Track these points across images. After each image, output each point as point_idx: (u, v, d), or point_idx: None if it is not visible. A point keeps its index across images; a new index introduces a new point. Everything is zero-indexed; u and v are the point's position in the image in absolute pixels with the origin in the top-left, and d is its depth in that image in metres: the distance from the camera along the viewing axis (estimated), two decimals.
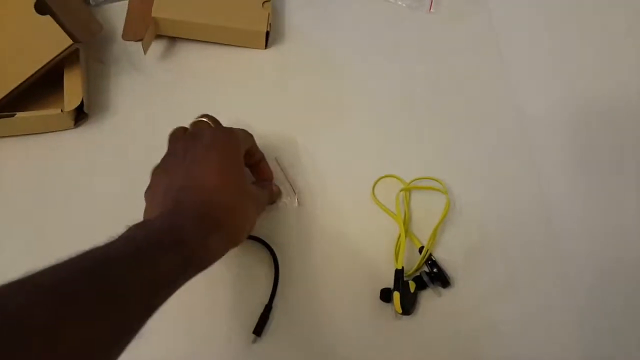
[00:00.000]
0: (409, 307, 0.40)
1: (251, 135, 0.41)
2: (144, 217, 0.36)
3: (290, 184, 0.45)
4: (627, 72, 0.51)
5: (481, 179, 0.46)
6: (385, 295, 0.41)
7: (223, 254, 0.34)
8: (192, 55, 0.52)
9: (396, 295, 0.39)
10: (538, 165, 0.47)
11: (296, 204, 0.45)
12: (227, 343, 0.41)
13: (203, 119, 0.41)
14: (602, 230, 0.45)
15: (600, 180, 0.47)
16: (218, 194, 0.34)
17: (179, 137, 0.40)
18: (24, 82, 0.45)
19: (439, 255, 0.43)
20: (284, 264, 0.43)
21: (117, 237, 0.29)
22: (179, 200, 0.33)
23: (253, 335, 0.40)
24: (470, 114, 0.50)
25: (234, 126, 0.41)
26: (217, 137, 0.37)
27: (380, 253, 0.43)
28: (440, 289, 0.42)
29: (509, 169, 0.47)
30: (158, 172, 0.37)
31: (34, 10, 0.44)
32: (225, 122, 0.49)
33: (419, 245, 0.43)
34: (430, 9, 0.53)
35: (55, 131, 0.48)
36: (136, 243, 0.29)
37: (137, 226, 0.31)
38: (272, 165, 0.45)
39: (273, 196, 0.44)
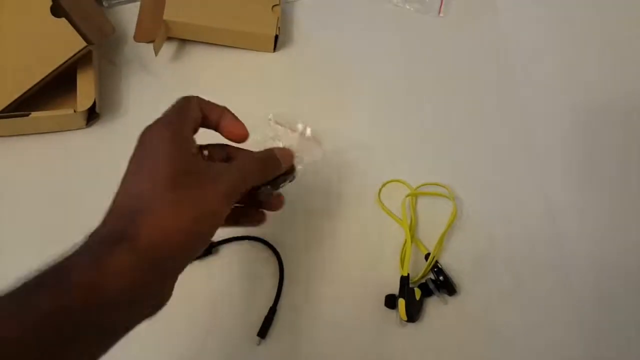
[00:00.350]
0: (414, 314, 0.40)
1: (192, 98, 0.32)
2: None
3: (302, 134, 0.37)
4: (637, 79, 0.51)
5: (488, 186, 0.46)
6: (390, 302, 0.41)
7: (145, 280, 0.26)
8: (202, 58, 0.52)
9: (401, 302, 0.39)
10: (545, 173, 0.47)
11: (321, 153, 0.37)
12: (231, 345, 0.41)
13: None
14: (608, 239, 0.44)
15: (607, 188, 0.46)
16: (132, 198, 0.27)
17: None
18: (39, 82, 0.46)
19: (445, 261, 0.43)
20: (288, 266, 0.43)
21: None
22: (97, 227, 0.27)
23: (257, 338, 0.40)
24: (478, 119, 0.49)
25: None
26: (144, 133, 0.30)
27: (385, 258, 0.43)
28: (446, 297, 0.41)
29: (516, 176, 0.47)
30: None
31: (49, 13, 0.45)
32: None
33: (425, 252, 0.43)
34: (439, 13, 0.53)
35: (68, 130, 0.48)
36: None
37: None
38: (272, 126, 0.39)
39: (268, 168, 0.33)
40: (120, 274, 0.24)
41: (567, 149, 0.48)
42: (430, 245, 0.43)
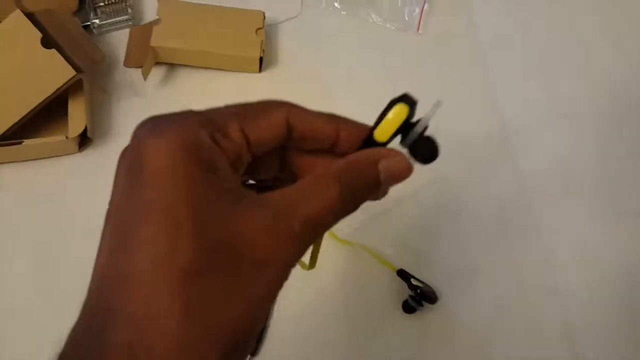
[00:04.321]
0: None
1: (278, 105, 0.20)
2: None
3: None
4: (619, 87, 0.53)
5: (461, 189, 0.48)
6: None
7: None
8: (190, 81, 0.54)
9: None
10: (523, 177, 0.48)
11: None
12: None
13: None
14: (594, 237, 0.46)
15: (592, 187, 0.48)
16: (118, 293, 0.16)
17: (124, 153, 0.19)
18: (30, 112, 0.47)
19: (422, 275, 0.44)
20: None
21: None
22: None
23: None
24: (458, 134, 0.51)
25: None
26: (137, 150, 0.18)
27: None
28: (430, 306, 0.43)
29: (495, 181, 0.48)
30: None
31: (40, 44, 0.46)
32: None
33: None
34: (418, 30, 0.55)
35: (61, 156, 0.50)
36: None
37: None
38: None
39: (356, 195, 0.20)
40: None
41: (545, 151, 0.50)
42: None
